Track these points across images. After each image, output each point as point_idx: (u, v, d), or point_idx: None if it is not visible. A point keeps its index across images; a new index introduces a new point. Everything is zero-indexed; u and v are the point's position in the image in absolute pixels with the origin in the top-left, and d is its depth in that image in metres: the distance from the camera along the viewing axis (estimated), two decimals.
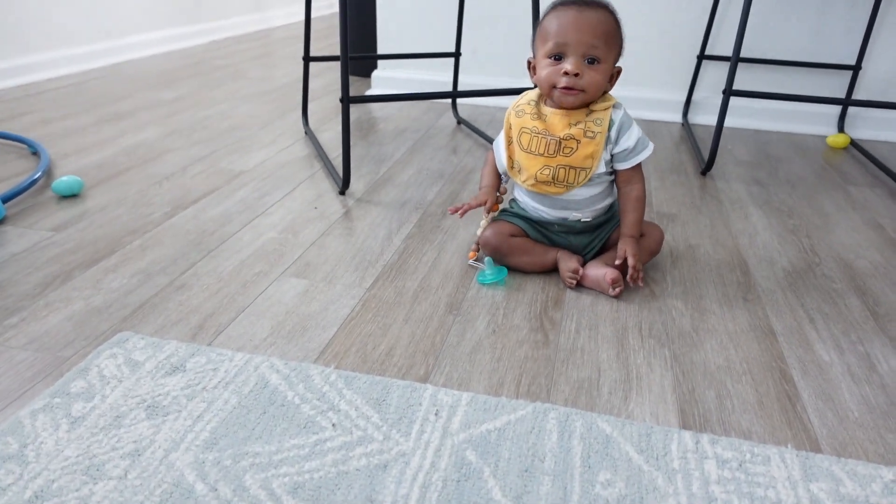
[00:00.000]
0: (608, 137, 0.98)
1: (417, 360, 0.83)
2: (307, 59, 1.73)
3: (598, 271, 0.99)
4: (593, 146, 0.97)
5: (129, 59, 2.80)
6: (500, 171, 1.08)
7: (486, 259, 1.03)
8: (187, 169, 1.49)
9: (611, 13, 0.95)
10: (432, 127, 1.92)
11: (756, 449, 0.69)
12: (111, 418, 0.70)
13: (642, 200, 1.02)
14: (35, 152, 1.54)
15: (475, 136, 1.84)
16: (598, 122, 0.97)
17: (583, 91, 0.94)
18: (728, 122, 1.98)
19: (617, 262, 0.98)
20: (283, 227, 1.21)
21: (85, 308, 0.92)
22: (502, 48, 2.12)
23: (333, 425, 0.70)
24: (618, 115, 0.98)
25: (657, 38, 2.01)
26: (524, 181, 1.03)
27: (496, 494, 0.62)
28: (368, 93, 2.28)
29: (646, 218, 1.09)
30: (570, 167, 0.98)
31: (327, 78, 2.53)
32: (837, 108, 1.97)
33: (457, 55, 1.92)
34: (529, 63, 1.02)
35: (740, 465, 0.67)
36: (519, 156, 1.02)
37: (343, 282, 1.02)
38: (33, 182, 1.31)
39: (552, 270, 1.05)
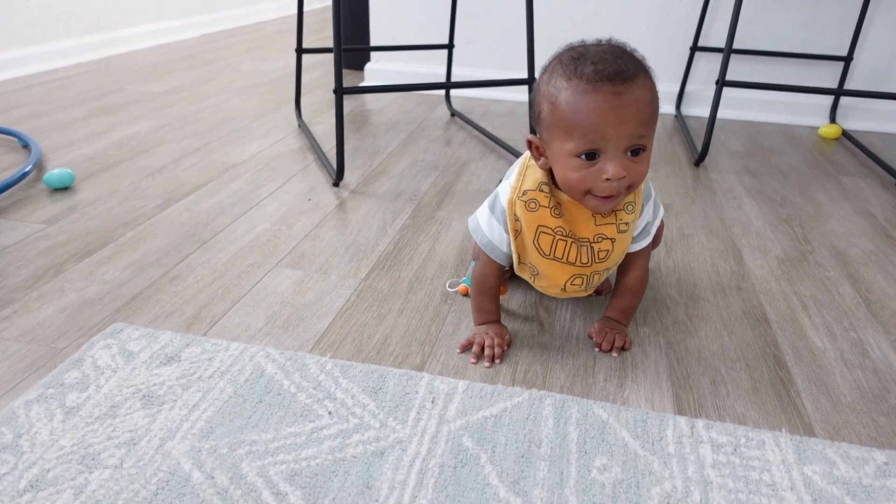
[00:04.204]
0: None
1: (413, 349, 0.83)
2: (300, 50, 1.72)
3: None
4: (627, 239, 0.78)
5: (120, 53, 2.78)
6: (504, 265, 0.84)
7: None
8: (180, 161, 1.48)
9: (650, 77, 0.69)
10: (426, 119, 1.91)
11: (751, 433, 0.70)
12: (106, 408, 0.70)
13: (642, 288, 0.85)
14: (26, 145, 1.52)
15: (469, 127, 1.83)
16: (630, 208, 0.76)
17: (628, 189, 0.72)
18: (721, 114, 1.99)
19: (596, 350, 0.84)
20: (277, 218, 1.20)
21: (78, 300, 0.91)
22: (497, 39, 2.12)
23: (330, 413, 0.70)
24: (646, 190, 0.78)
25: (650, 29, 2.01)
26: (544, 287, 0.84)
27: (493, 480, 0.62)
28: (362, 85, 2.27)
29: None
30: (607, 269, 0.81)
31: (320, 71, 2.52)
32: (829, 99, 1.98)
33: (450, 47, 1.92)
34: (531, 143, 0.75)
35: (735, 450, 0.67)
36: (537, 261, 0.79)
37: (338, 272, 1.01)
38: (24, 175, 1.30)
39: None
